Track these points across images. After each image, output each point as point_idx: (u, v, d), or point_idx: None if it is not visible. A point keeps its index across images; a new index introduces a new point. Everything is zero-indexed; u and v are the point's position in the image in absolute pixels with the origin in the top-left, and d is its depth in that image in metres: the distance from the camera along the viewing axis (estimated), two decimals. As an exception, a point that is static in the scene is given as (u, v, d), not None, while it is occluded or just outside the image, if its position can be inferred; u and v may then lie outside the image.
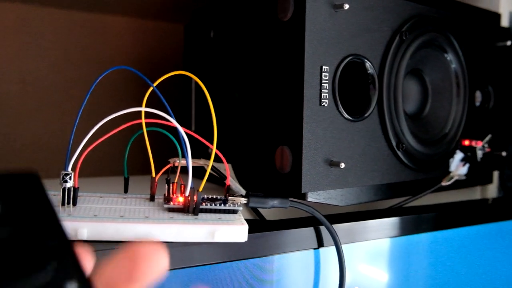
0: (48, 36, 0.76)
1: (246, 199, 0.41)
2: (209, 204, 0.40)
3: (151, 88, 0.37)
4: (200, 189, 0.39)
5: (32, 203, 0.20)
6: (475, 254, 0.59)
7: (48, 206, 0.21)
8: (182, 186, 0.40)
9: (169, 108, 0.38)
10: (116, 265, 0.21)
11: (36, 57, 0.76)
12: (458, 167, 0.58)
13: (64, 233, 0.21)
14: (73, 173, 0.37)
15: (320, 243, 0.46)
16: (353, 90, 0.49)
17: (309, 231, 0.46)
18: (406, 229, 0.53)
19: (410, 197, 0.56)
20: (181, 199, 0.40)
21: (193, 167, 0.40)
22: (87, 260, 0.22)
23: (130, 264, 0.21)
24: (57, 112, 0.77)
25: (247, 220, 0.41)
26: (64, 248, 0.20)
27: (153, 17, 0.83)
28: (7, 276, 0.18)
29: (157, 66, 0.84)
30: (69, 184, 0.37)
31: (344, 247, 0.46)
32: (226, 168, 0.42)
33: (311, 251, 0.46)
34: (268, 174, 0.48)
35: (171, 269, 0.38)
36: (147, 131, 0.39)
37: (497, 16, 0.68)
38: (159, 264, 0.21)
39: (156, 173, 0.41)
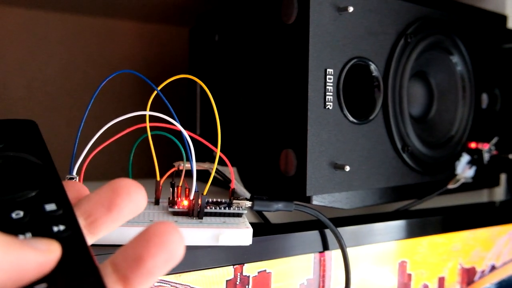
0: (54, 41, 0.77)
1: (250, 203, 0.41)
2: (213, 208, 0.40)
3: (155, 92, 0.37)
4: (205, 192, 0.39)
5: (28, 141, 0.24)
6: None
7: (41, 144, 0.25)
8: (187, 189, 0.40)
9: (173, 112, 0.38)
10: (98, 195, 0.23)
11: (43, 62, 0.76)
12: (464, 169, 0.58)
13: (52, 165, 0.24)
14: (78, 177, 0.37)
15: (325, 247, 0.46)
16: (358, 93, 0.49)
17: (314, 235, 0.45)
18: (412, 232, 0.52)
19: (416, 200, 0.56)
20: (185, 202, 0.40)
21: (197, 170, 0.40)
22: (78, 191, 0.24)
23: (110, 195, 0.23)
24: (63, 117, 0.78)
25: (251, 223, 0.41)
26: (50, 176, 0.23)
27: (158, 21, 0.83)
28: None
29: (163, 70, 0.85)
30: (74, 187, 0.37)
31: (350, 250, 0.46)
32: (231, 172, 0.42)
33: (316, 255, 0.45)
34: (272, 178, 0.48)
35: (175, 273, 0.38)
36: (151, 135, 0.39)
37: (503, 18, 0.68)
38: (138, 198, 0.23)
39: (161, 176, 0.41)
